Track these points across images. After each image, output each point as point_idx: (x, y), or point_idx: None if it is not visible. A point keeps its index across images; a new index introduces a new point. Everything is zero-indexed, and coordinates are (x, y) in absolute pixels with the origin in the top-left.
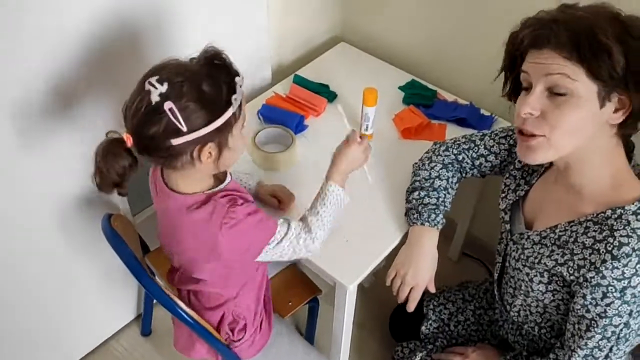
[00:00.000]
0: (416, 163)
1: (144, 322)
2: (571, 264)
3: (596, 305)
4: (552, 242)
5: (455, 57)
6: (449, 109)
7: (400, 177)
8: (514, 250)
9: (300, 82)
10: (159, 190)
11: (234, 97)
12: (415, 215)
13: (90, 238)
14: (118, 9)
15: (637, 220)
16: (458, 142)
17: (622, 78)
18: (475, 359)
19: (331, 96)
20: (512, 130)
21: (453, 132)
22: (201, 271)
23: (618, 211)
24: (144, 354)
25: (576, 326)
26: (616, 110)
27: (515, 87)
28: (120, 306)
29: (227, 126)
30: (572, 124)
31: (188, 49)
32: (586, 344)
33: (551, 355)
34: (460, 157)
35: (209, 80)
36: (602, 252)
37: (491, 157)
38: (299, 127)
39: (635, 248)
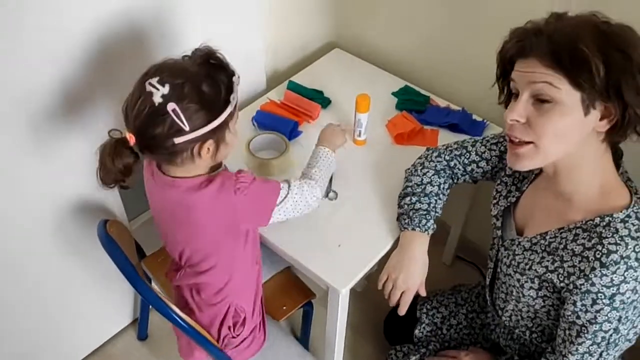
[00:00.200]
0: (408, 169)
1: (140, 327)
2: (561, 271)
3: (586, 311)
4: (543, 248)
5: (448, 63)
6: (441, 115)
7: (393, 182)
8: (505, 256)
9: (295, 88)
10: (159, 183)
11: (232, 96)
12: (406, 221)
13: (87, 243)
14: (120, 11)
15: (625, 228)
16: (450, 149)
17: (603, 87)
18: None
19: (325, 102)
20: (504, 137)
21: (445, 137)
22: (214, 255)
23: (606, 219)
24: (140, 358)
25: (567, 332)
26: (602, 118)
27: (509, 95)
28: (117, 310)
29: (225, 123)
30: (557, 130)
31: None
32: (577, 350)
33: None
34: (452, 164)
35: (208, 81)
36: (591, 259)
37: (482, 163)
38: (293, 133)
39: (623, 256)
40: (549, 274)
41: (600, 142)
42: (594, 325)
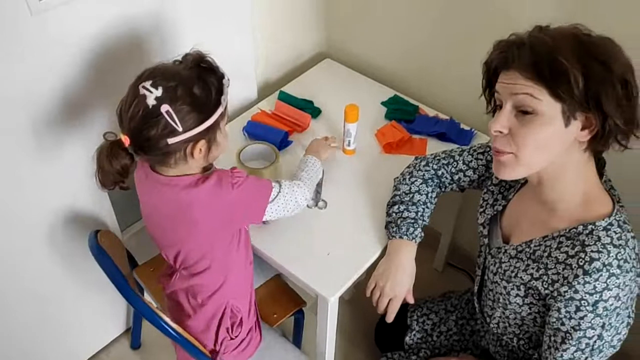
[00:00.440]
0: (397, 177)
1: (133, 336)
2: (545, 278)
3: (570, 318)
4: (528, 256)
5: (437, 73)
6: (429, 124)
7: (382, 191)
8: (492, 264)
9: (285, 98)
10: (153, 183)
11: (222, 97)
12: (394, 229)
13: (80, 252)
14: (119, 19)
15: (607, 236)
16: (438, 158)
17: (582, 98)
18: None
19: (315, 112)
20: (490, 146)
21: (434, 146)
22: (209, 254)
23: (589, 227)
24: None
25: (552, 338)
26: (583, 129)
27: (496, 105)
28: (110, 320)
29: (216, 124)
30: (538, 141)
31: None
32: (562, 356)
33: None
34: (439, 172)
35: (199, 83)
36: (575, 267)
37: (469, 172)
38: (283, 142)
39: (606, 263)
40: (534, 281)
41: (582, 151)
42: (578, 332)
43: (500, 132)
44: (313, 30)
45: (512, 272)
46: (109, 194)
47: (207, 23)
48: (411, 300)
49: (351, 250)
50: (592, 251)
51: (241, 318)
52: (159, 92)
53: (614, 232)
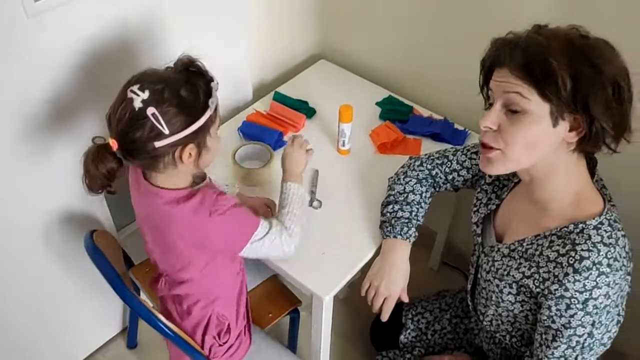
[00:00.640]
0: (392, 177)
1: (129, 335)
2: (537, 277)
3: (560, 316)
4: (520, 255)
5: (431, 74)
6: (424, 124)
7: (377, 191)
8: (485, 263)
9: (280, 99)
10: (144, 190)
11: (210, 100)
12: (388, 228)
13: (76, 252)
14: (109, 25)
15: (597, 234)
16: (432, 158)
17: (569, 100)
18: None
19: (310, 112)
20: None
21: (428, 146)
22: (188, 268)
23: (580, 226)
24: None
25: (543, 336)
26: (571, 130)
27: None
28: (106, 319)
29: (205, 128)
30: (525, 139)
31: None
32: (553, 354)
33: None
34: (434, 172)
35: (187, 86)
36: (565, 265)
37: (463, 172)
38: (278, 143)
39: (596, 262)
40: (526, 279)
41: (572, 152)
42: (569, 330)
43: (490, 128)
44: (308, 31)
45: (505, 270)
46: (104, 195)
47: (203, 25)
48: (406, 299)
49: (346, 250)
50: (582, 250)
51: (228, 325)
52: (145, 95)
53: (604, 230)
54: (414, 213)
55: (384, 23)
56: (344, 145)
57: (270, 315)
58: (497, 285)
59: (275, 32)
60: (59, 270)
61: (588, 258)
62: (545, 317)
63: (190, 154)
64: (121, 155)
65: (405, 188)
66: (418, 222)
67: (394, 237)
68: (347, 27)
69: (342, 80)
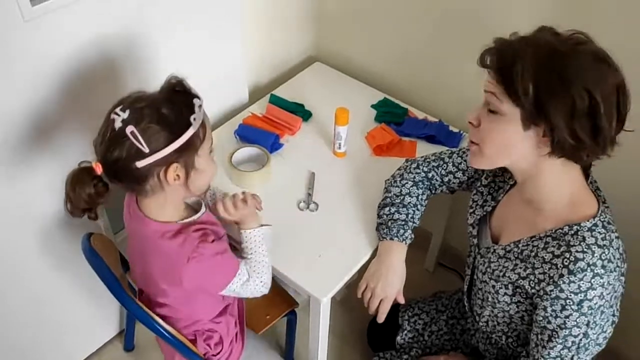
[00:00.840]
0: (388, 179)
1: (126, 338)
2: (532, 278)
3: (556, 317)
4: (516, 256)
5: (426, 76)
6: (419, 126)
7: (373, 193)
8: (481, 264)
9: (276, 101)
10: (133, 214)
11: (192, 117)
12: (385, 230)
13: (73, 255)
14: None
15: (591, 236)
16: (428, 160)
17: (531, 107)
18: None
19: (306, 115)
20: None
21: (423, 148)
22: (164, 296)
23: (574, 227)
24: None
25: (539, 336)
26: (544, 135)
27: None
28: (103, 322)
29: (191, 146)
30: (497, 139)
31: (165, 72)
32: (549, 354)
33: None
34: (430, 175)
35: (168, 104)
36: (560, 266)
37: (459, 174)
38: (274, 145)
39: (590, 263)
40: (521, 280)
41: (552, 156)
42: (564, 330)
43: (472, 123)
44: (303, 34)
45: (501, 271)
46: None
47: (199, 28)
48: (402, 301)
49: (343, 252)
50: (577, 251)
51: (220, 336)
52: (125, 114)
53: (599, 232)
54: (410, 215)
55: (378, 26)
56: (340, 147)
57: (268, 317)
58: (493, 286)
59: (270, 35)
60: (56, 272)
61: (583, 259)
62: (541, 318)
63: (177, 175)
64: (107, 179)
65: (401, 190)
66: (414, 224)
67: (391, 239)
68: (342, 30)
69: (337, 82)
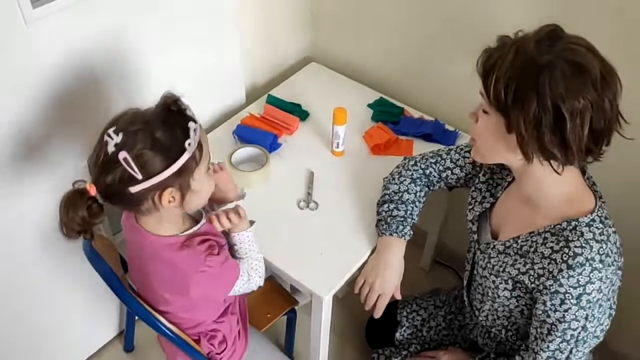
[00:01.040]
0: (387, 177)
1: (126, 338)
2: (532, 273)
3: (555, 311)
4: (515, 251)
5: (421, 76)
6: (415, 125)
7: (372, 191)
8: (481, 259)
9: (274, 102)
10: (131, 227)
11: (187, 142)
12: (384, 227)
13: (71, 257)
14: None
15: (589, 231)
16: (426, 157)
17: (500, 111)
18: None
19: (303, 115)
20: None
21: (420, 147)
22: (166, 304)
23: (573, 223)
24: None
25: (538, 330)
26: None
27: None
28: (103, 323)
29: (187, 170)
30: (484, 137)
31: (164, 73)
32: (548, 347)
33: (517, 358)
34: (427, 171)
35: (163, 127)
36: (559, 261)
37: (457, 170)
38: (273, 145)
39: (589, 258)
40: (521, 275)
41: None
42: (563, 324)
43: (471, 119)
44: (299, 35)
45: (501, 267)
46: None
47: (196, 28)
48: (399, 297)
49: (344, 249)
50: (575, 246)
51: (223, 336)
52: (119, 138)
53: (596, 228)
54: (408, 212)
55: (373, 27)
56: (338, 147)
57: (269, 315)
58: (493, 282)
59: (266, 36)
60: (55, 275)
61: (581, 254)
62: (541, 312)
63: (173, 197)
64: (101, 200)
65: (400, 187)
66: (413, 221)
67: (390, 234)
68: (337, 31)
69: (333, 82)
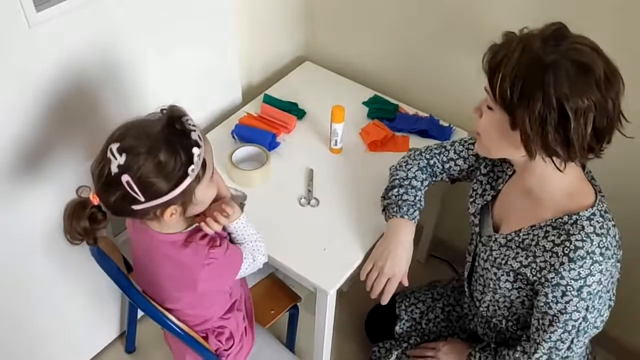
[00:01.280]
0: (393, 166)
1: (127, 339)
2: (534, 266)
3: (557, 302)
4: (517, 244)
5: (415, 73)
6: (410, 122)
7: (370, 187)
8: (482, 252)
9: (270, 101)
10: (137, 227)
11: (191, 167)
12: (395, 209)
13: (73, 257)
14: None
15: (590, 225)
16: (430, 148)
17: (504, 108)
18: (446, 352)
19: (300, 113)
20: None
21: (415, 143)
22: (174, 302)
23: (574, 217)
24: None
25: (540, 321)
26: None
27: None
28: (104, 325)
29: (189, 190)
30: (488, 133)
31: (162, 73)
32: (550, 337)
33: (518, 348)
34: (432, 162)
35: (167, 148)
36: (560, 255)
37: (460, 162)
38: (271, 144)
39: (589, 251)
40: (523, 268)
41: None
42: (565, 315)
43: (475, 114)
44: (293, 34)
45: (502, 259)
46: None
47: (192, 30)
48: (406, 283)
49: (346, 244)
50: (576, 240)
51: (230, 332)
52: (122, 159)
53: (597, 221)
54: (417, 197)
55: (367, 26)
56: (336, 144)
57: (273, 311)
58: (495, 274)
59: (260, 36)
60: (55, 276)
61: (582, 248)
62: (542, 304)
63: (175, 211)
64: (105, 210)
65: (407, 174)
66: (421, 207)
67: (401, 216)
68: (331, 30)
69: (327, 81)
